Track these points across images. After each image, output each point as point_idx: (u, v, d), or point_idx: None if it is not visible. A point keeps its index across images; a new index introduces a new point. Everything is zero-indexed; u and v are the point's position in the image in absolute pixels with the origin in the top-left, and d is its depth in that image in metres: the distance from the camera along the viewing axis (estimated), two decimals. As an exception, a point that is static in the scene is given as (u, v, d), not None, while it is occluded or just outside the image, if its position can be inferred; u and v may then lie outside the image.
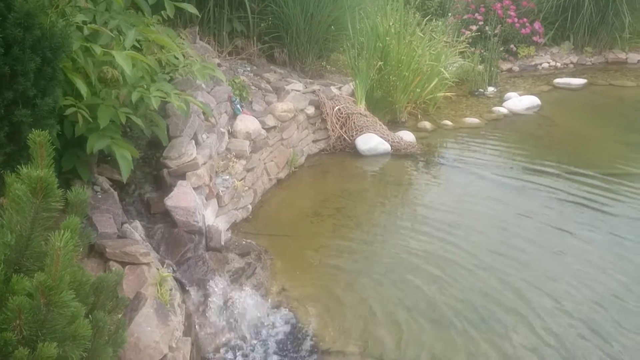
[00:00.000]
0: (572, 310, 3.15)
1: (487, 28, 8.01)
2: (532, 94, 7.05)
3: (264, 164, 4.63)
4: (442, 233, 3.98)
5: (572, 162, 5.14)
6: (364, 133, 5.42)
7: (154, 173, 3.51)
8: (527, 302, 3.24)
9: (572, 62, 8.83)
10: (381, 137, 5.42)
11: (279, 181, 4.81)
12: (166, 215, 3.19)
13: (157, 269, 2.72)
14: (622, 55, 8.95)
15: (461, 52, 7.38)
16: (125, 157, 2.79)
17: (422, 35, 6.33)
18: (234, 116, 4.48)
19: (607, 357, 2.81)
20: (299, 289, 3.39)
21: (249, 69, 5.48)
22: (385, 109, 6.04)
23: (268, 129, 4.69)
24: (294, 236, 3.98)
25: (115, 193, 3.09)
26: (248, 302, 3.15)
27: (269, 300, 3.28)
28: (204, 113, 3.79)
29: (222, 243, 3.47)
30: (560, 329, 3.02)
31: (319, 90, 5.51)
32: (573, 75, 8.15)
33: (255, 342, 2.99)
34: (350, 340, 2.98)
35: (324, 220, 4.21)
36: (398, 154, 5.39)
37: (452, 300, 3.26)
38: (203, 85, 4.15)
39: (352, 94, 5.86)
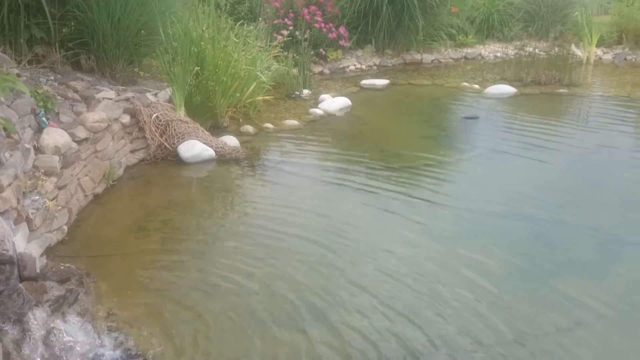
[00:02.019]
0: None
1: (297, 33, 8.27)
2: (343, 95, 7.44)
3: (78, 179, 4.28)
4: (273, 236, 4.01)
5: (382, 157, 5.51)
6: (186, 140, 5.29)
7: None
8: (363, 291, 3.39)
9: (375, 64, 9.48)
10: (204, 143, 5.32)
11: (97, 197, 4.49)
12: (-34, 247, 2.80)
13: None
14: (418, 56, 9.83)
15: (275, 56, 7.54)
16: None
17: (236, 40, 6.34)
18: (39, 130, 4.08)
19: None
20: (129, 311, 3.19)
21: (52, 78, 5.03)
22: (206, 114, 5.95)
23: (79, 142, 4.35)
24: (119, 255, 3.74)
25: None
26: (73, 331, 2.89)
27: (97, 326, 3.03)
28: (5, 129, 3.39)
29: (38, 271, 3.13)
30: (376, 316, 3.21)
31: (134, 97, 5.25)
32: (377, 76, 8.76)
33: (85, 374, 2.75)
34: (190, 358, 2.87)
35: (150, 234, 4.02)
36: (223, 159, 5.34)
37: (287, 302, 3.30)
38: (2, 99, 3.71)
39: (170, 100, 5.68)
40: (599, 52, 10.22)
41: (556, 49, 8.65)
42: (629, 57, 10.13)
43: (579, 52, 9.81)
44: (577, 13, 10.71)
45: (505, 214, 4.38)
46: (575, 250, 3.89)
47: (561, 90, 7.92)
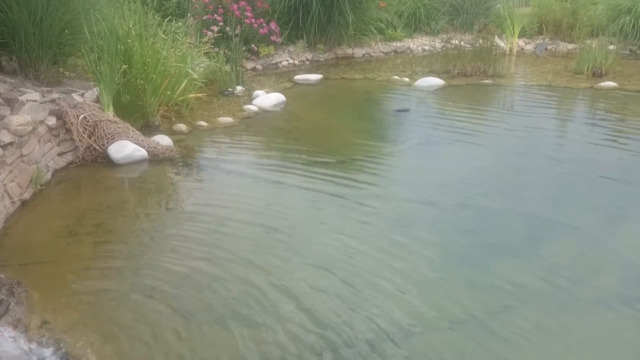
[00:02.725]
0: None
1: (227, 29, 8.20)
2: (277, 91, 7.45)
3: (4, 185, 4.11)
4: (211, 236, 3.99)
5: (318, 152, 5.57)
6: (117, 140, 5.16)
7: None
8: (299, 292, 3.43)
9: (308, 59, 9.53)
10: (136, 143, 5.21)
11: (24, 203, 4.33)
12: None
13: None
14: (350, 51, 9.94)
15: (206, 53, 7.45)
16: None
17: (164, 37, 6.22)
18: (-42, 135, 3.89)
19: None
20: (64, 319, 3.10)
21: (-30, 80, 4.80)
22: (137, 113, 5.82)
23: (4, 146, 4.17)
24: (51, 262, 3.63)
25: None
26: (6, 343, 2.79)
27: (31, 336, 2.94)
28: None
29: (-37, 283, 3.00)
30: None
31: (60, 98, 5.08)
32: (310, 71, 8.81)
33: (20, 387, 2.66)
34: (130, 362, 2.83)
35: (82, 239, 3.91)
36: (156, 159, 5.25)
37: (226, 303, 3.30)
38: None
39: (98, 100, 5.52)
40: (521, 43, 10.65)
41: (480, 41, 8.96)
42: (549, 47, 10.61)
43: (502, 44, 10.19)
44: (499, 5, 11.12)
45: (439, 202, 4.52)
46: (505, 234, 4.07)
47: (486, 81, 8.22)
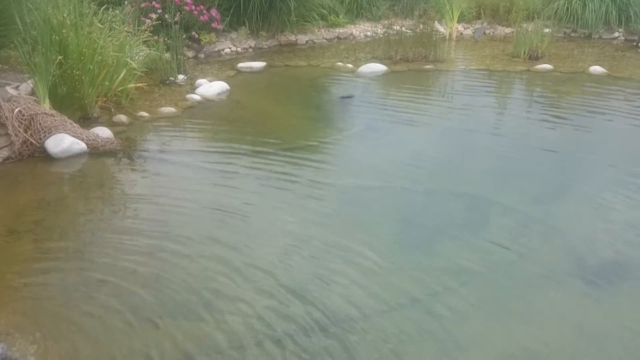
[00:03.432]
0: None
1: (166, 16, 8.01)
2: (220, 79, 7.35)
3: None
4: (156, 230, 3.93)
5: (264, 140, 5.55)
6: (54, 134, 4.99)
7: None
8: (247, 281, 3.43)
9: (250, 47, 9.42)
10: (74, 136, 5.06)
11: (-43, 202, 4.15)
12: None
13: None
14: (293, 38, 9.89)
15: (145, 41, 7.26)
16: None
17: (101, 26, 6.04)
18: None
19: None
20: (4, 320, 3.01)
21: None
22: (74, 105, 5.64)
23: None
24: (-12, 262, 3.50)
25: None
26: (-58, 350, 2.68)
27: (-30, 340, 2.84)
28: None
29: None
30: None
31: (-9, 92, 4.87)
32: (253, 59, 8.72)
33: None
34: (77, 361, 2.78)
35: (21, 237, 3.79)
36: (96, 152, 5.11)
37: (176, 295, 3.28)
38: None
39: (33, 93, 5.32)
40: (460, 27, 10.85)
41: (421, 26, 9.06)
42: (487, 32, 10.85)
43: (442, 29, 10.36)
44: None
45: (383, 186, 4.60)
46: (448, 215, 4.19)
47: (428, 66, 8.35)
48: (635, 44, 9.71)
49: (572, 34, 10.47)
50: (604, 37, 10.31)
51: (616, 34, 10.29)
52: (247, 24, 9.50)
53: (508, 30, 10.60)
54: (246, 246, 3.75)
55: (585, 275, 3.46)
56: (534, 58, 8.68)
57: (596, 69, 8.05)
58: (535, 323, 3.10)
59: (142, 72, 6.66)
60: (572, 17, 10.25)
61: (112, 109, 6.04)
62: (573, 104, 6.79)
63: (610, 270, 3.52)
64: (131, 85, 6.35)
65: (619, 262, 3.62)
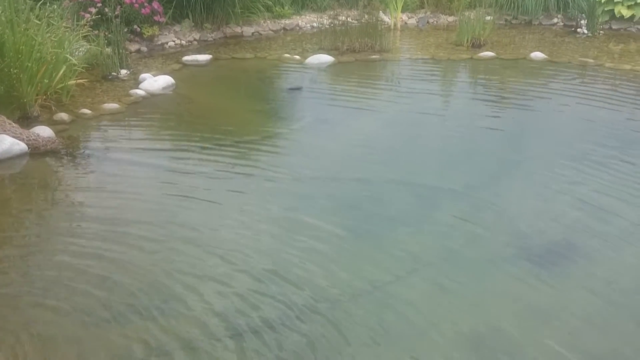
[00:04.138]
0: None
1: (106, 10, 7.78)
2: (165, 73, 7.20)
3: None
4: (104, 229, 3.83)
5: (214, 135, 5.47)
6: (-9, 136, 4.79)
7: None
8: (200, 279, 3.39)
9: (195, 39, 9.26)
10: (14, 136, 4.86)
11: None
12: None
13: None
14: (238, 29, 9.77)
15: (85, 36, 7.04)
16: None
17: (38, 22, 5.81)
18: None
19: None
20: (-54, 332, 2.88)
21: None
22: (13, 105, 5.43)
23: None
24: None
25: None
26: None
27: None
28: None
29: None
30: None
31: None
32: (199, 51, 8.58)
33: None
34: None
35: (-39, 244, 3.62)
36: (38, 152, 4.92)
37: (127, 295, 3.20)
38: None
39: (-34, 93, 5.08)
40: (405, 17, 10.97)
41: (366, 16, 9.11)
42: (430, 21, 11.00)
43: (386, 19, 10.44)
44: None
45: (335, 177, 4.62)
46: (399, 204, 4.24)
47: (374, 56, 8.41)
48: (573, 29, 10.03)
49: (513, 21, 10.73)
50: (543, 23, 10.61)
51: (555, 20, 10.61)
52: (190, 16, 9.33)
53: (451, 18, 10.78)
54: (199, 244, 3.70)
55: (532, 257, 3.56)
56: (477, 46, 8.85)
57: (537, 54, 8.28)
58: (485, 306, 3.18)
59: (82, 68, 6.46)
60: (512, 4, 10.51)
61: (53, 107, 5.84)
62: (516, 89, 6.97)
63: (556, 251, 3.64)
64: (72, 82, 6.14)
65: (565, 242, 3.74)
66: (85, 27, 6.92)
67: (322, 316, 3.03)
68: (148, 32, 8.76)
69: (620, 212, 4.05)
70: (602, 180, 4.52)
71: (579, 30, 9.89)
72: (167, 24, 9.13)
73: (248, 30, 9.84)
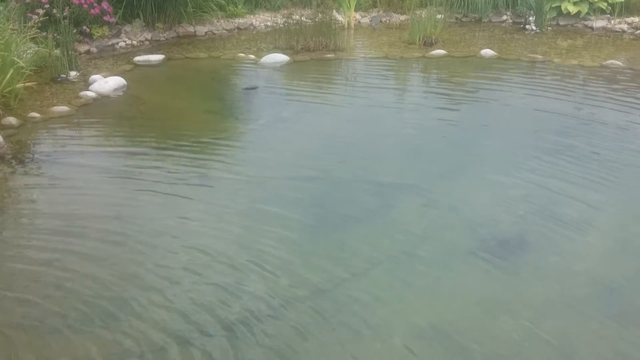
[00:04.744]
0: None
1: (55, 11, 7.58)
2: (116, 74, 7.06)
3: None
4: (57, 236, 3.73)
5: (168, 136, 5.40)
6: None
7: None
8: (153, 285, 3.34)
9: (147, 39, 9.10)
10: (-42, 143, 4.69)
11: None
12: None
13: None
14: (191, 29, 9.65)
15: (33, 38, 6.84)
16: None
17: (-18, 23, 5.62)
18: None
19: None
20: None
21: None
22: (-44, 110, 5.24)
23: None
24: None
25: None
26: None
27: None
28: None
29: None
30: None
31: None
32: (151, 51, 8.44)
33: None
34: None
35: None
36: (-16, 158, 4.77)
37: (81, 303, 3.13)
38: None
39: None
40: (358, 16, 11.04)
41: (320, 15, 9.14)
42: (383, 20, 11.11)
43: (340, 18, 10.49)
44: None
45: (293, 177, 4.63)
46: (356, 203, 4.27)
47: (329, 55, 8.44)
48: (522, 26, 10.29)
49: (464, 19, 10.94)
50: (493, 20, 10.85)
51: (504, 17, 10.86)
52: (141, 15, 9.16)
53: (403, 17, 10.90)
54: (153, 248, 3.65)
55: (488, 249, 3.65)
56: (429, 44, 8.98)
57: (487, 52, 8.46)
58: (441, 301, 3.24)
59: (31, 70, 6.29)
60: (462, 3, 10.70)
61: (1, 112, 5.64)
62: (469, 85, 7.12)
63: (511, 242, 3.73)
64: (20, 85, 5.96)
65: (519, 233, 3.84)
66: (33, 28, 6.74)
67: (275, 319, 3.04)
68: (98, 32, 8.57)
69: (571, 200, 4.19)
70: (554, 169, 4.68)
71: (527, 27, 10.15)
72: (117, 24, 8.95)
73: (201, 29, 9.74)
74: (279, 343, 2.86)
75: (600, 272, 3.46)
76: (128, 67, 7.66)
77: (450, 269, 3.51)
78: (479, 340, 2.90)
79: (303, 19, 9.25)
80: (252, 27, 10.28)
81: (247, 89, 6.93)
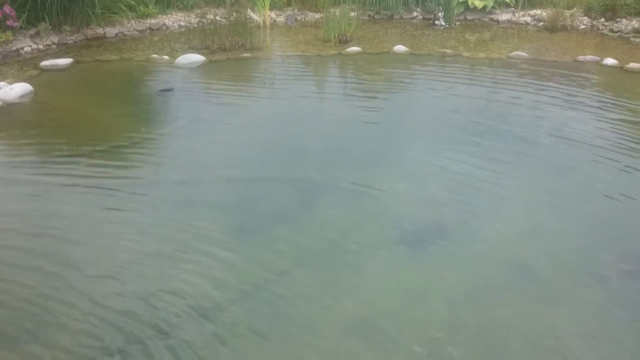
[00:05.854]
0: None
1: (-51, 13, 7.13)
2: (22, 80, 6.73)
3: None
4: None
5: (81, 143, 5.20)
6: None
7: None
8: (74, 301, 3.23)
9: (54, 43, 8.73)
10: None
11: None
12: None
13: None
14: (101, 31, 9.34)
15: None
16: None
17: None
18: None
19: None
20: None
21: None
22: None
23: None
24: None
25: None
26: None
27: None
28: None
29: None
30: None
31: None
32: (58, 55, 8.11)
33: None
34: None
35: None
36: None
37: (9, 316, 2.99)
38: None
39: None
40: (273, 15, 11.04)
41: (235, 14, 9.07)
42: (298, 18, 11.17)
43: (255, 17, 10.46)
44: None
45: (214, 180, 4.58)
46: (280, 202, 4.28)
47: (246, 55, 8.40)
48: (431, 21, 10.64)
49: (376, 16, 11.19)
50: (404, 17, 11.16)
51: (415, 14, 11.20)
52: (47, 19, 8.78)
53: (318, 15, 11.01)
54: (76, 259, 3.51)
55: (408, 240, 3.75)
56: (344, 41, 9.13)
57: (400, 47, 8.70)
58: (366, 292, 3.30)
59: None
60: (374, 0, 10.94)
61: None
62: (384, 81, 7.30)
63: (431, 232, 3.85)
64: None
65: (438, 223, 3.96)
66: None
67: (204, 323, 3.01)
68: (1, 38, 8.14)
69: (488, 188, 4.38)
70: (470, 158, 4.87)
71: (437, 22, 10.51)
72: (21, 28, 8.52)
73: (111, 31, 9.45)
74: (202, 346, 2.83)
75: (516, 255, 3.62)
76: (34, 72, 7.33)
77: (375, 261, 3.58)
78: (406, 332, 2.96)
79: (218, 18, 9.15)
80: (164, 28, 10.07)
81: (162, 90, 6.78)
